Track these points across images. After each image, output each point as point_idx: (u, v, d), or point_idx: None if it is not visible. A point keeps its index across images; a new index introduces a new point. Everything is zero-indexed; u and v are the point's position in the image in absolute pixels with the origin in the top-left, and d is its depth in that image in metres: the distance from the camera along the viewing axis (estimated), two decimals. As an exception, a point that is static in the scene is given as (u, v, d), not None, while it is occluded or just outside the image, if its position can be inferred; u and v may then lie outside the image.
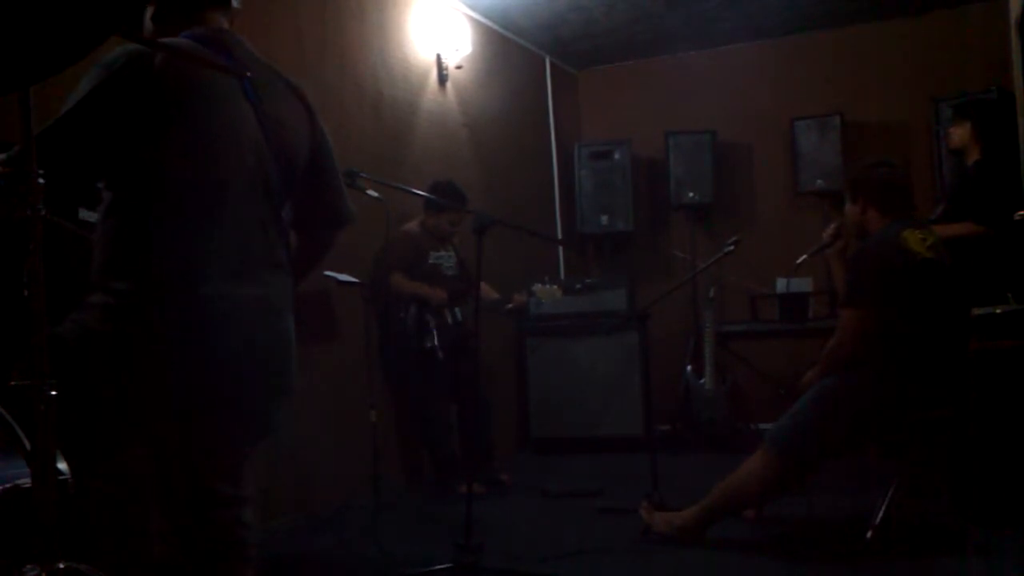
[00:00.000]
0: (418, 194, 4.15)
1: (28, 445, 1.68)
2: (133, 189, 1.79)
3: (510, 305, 4.95)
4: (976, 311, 3.57)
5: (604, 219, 6.61)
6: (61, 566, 1.43)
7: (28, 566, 1.43)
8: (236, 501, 1.85)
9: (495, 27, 6.16)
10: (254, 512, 1.91)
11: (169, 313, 1.73)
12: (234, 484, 1.86)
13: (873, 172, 3.58)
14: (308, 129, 2.03)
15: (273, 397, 1.91)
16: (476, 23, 5.89)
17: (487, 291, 4.84)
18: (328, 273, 4.10)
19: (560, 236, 6.91)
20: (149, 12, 1.97)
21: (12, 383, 1.46)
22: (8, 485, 1.76)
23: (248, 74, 1.87)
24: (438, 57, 5.47)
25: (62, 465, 1.71)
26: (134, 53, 1.75)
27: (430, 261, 4.76)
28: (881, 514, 3.29)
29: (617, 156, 6.63)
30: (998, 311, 3.62)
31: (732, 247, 4.02)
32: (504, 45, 6.32)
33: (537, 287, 4.97)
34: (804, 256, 3.93)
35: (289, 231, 2.02)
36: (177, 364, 1.74)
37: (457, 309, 4.74)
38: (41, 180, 1.45)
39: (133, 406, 1.76)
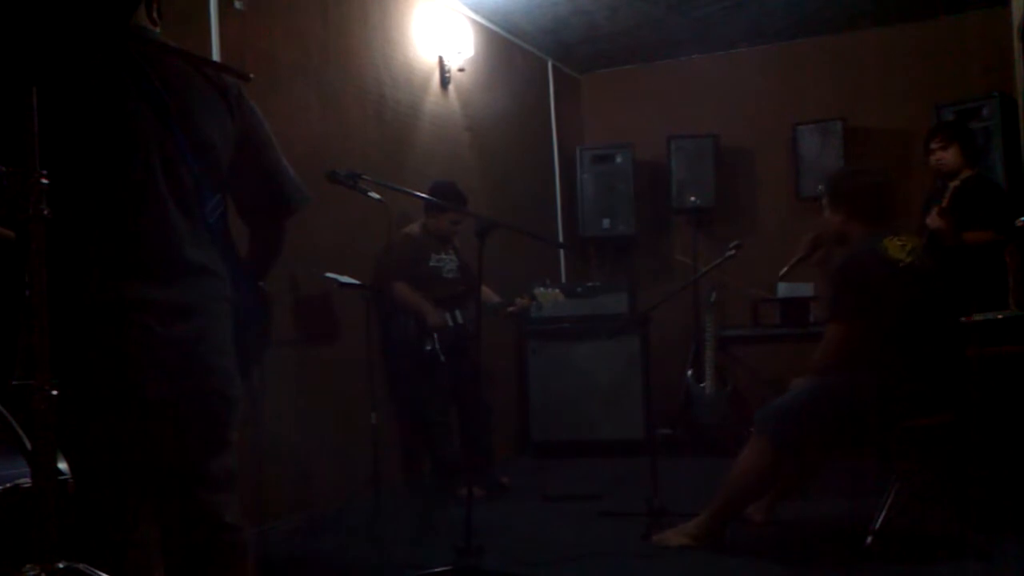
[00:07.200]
0: (420, 196, 4.15)
1: (28, 445, 1.68)
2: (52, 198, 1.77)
3: (512, 308, 4.94)
4: (978, 317, 3.56)
5: (606, 223, 6.61)
6: (61, 566, 1.43)
7: (28, 566, 1.42)
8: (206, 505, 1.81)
9: (498, 30, 6.17)
10: (236, 510, 1.85)
11: (82, 324, 1.68)
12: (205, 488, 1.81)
13: (857, 182, 3.54)
14: (227, 117, 1.90)
15: (198, 404, 1.80)
16: (479, 26, 5.90)
17: (488, 294, 4.83)
18: (329, 275, 4.10)
19: (562, 239, 6.91)
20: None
21: (12, 383, 1.46)
22: (8, 485, 1.76)
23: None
24: (440, 60, 5.47)
25: (62, 465, 1.71)
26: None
27: (431, 264, 4.75)
28: (881, 519, 3.28)
29: (619, 160, 6.63)
30: (999, 317, 3.62)
31: (733, 251, 4.02)
32: (507, 48, 6.32)
33: (538, 290, 4.97)
34: (784, 269, 3.95)
35: (222, 230, 1.91)
36: (97, 376, 1.70)
37: (458, 311, 4.74)
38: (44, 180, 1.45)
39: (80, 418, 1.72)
